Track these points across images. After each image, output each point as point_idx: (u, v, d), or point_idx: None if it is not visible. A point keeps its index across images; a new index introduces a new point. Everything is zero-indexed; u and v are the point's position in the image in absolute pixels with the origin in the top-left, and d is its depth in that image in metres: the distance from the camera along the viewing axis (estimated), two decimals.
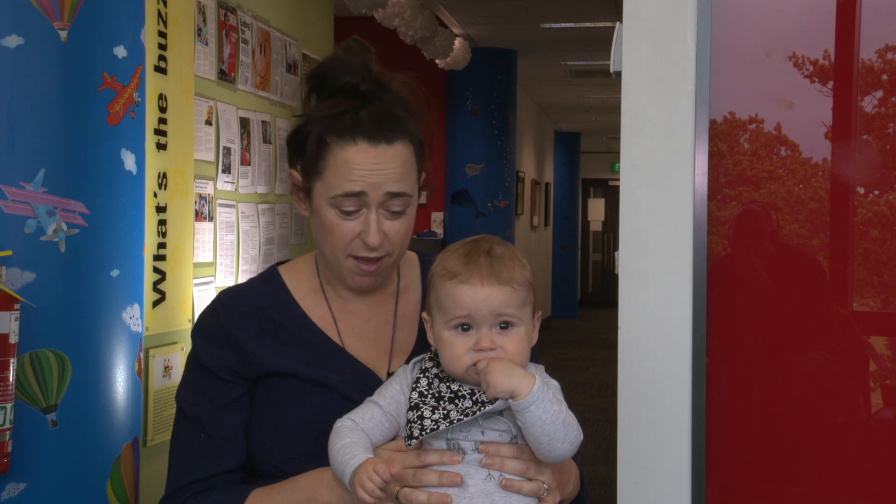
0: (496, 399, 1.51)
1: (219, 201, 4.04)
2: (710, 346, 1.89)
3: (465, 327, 1.56)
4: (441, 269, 1.59)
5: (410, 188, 1.69)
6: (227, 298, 1.76)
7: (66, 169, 2.19)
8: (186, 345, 3.43)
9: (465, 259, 1.57)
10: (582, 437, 1.55)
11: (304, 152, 1.70)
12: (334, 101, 1.69)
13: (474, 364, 1.53)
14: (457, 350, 1.55)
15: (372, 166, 1.64)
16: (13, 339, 2.03)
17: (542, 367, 1.65)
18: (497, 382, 1.49)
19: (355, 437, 1.55)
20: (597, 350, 12.99)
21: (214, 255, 4.00)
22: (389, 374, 1.69)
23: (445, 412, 1.53)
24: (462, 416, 1.52)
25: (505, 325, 1.56)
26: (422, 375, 1.59)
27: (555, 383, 1.60)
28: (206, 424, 1.68)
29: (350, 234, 1.67)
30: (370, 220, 1.65)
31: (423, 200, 1.82)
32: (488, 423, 1.55)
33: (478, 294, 1.54)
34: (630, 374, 1.93)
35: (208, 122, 3.92)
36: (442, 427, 1.52)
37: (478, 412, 1.52)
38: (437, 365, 1.59)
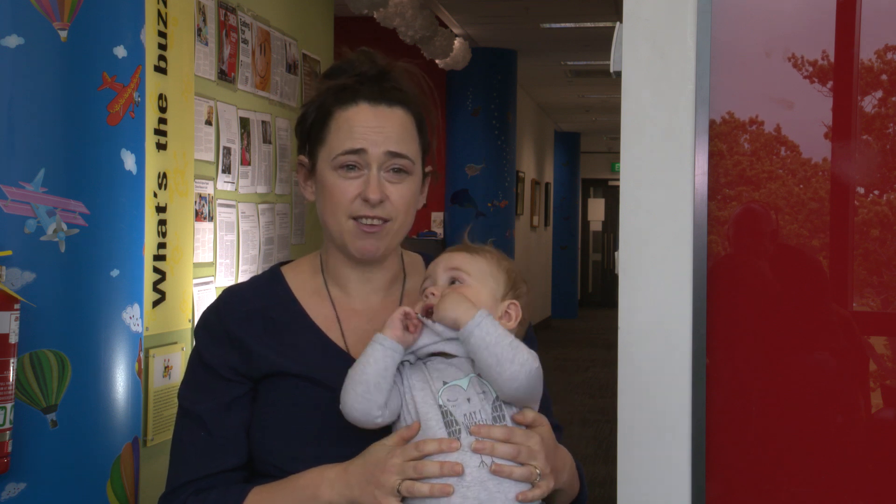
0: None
1: (219, 201, 4.04)
2: (710, 346, 1.89)
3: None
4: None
5: (412, 153, 1.72)
6: (229, 297, 1.76)
7: (66, 169, 2.19)
8: (186, 345, 3.43)
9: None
10: (536, 364, 1.60)
11: (310, 130, 1.75)
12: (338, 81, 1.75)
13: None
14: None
15: (373, 123, 1.69)
16: (13, 339, 2.03)
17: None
18: (443, 309, 1.59)
19: None
20: (597, 350, 12.99)
21: (214, 255, 4.00)
22: None
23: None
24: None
25: (455, 282, 1.67)
26: None
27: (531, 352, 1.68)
28: (207, 423, 1.69)
29: (351, 194, 1.69)
30: (371, 178, 1.69)
31: (425, 200, 1.85)
32: (472, 387, 1.59)
33: (440, 258, 1.70)
34: (630, 374, 1.93)
35: (208, 122, 3.92)
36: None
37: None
38: None
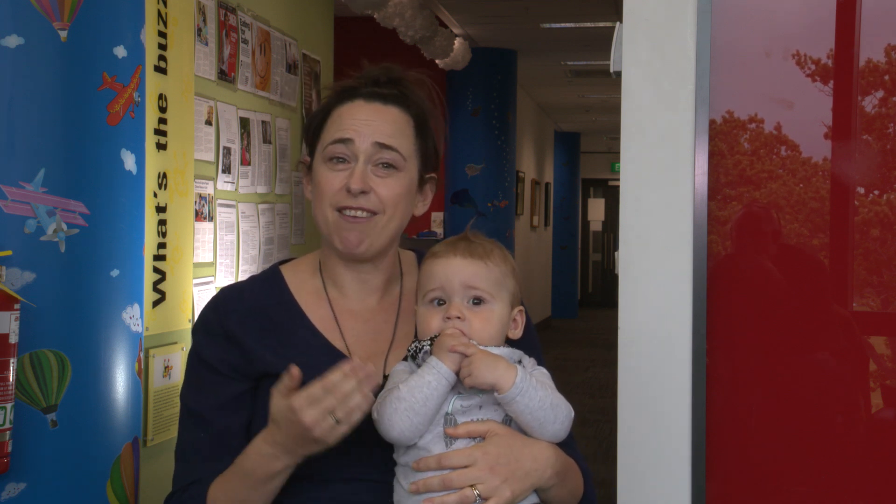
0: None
1: (219, 201, 4.03)
2: (710, 346, 1.89)
3: (440, 302, 1.62)
4: (427, 254, 1.67)
5: (403, 149, 1.71)
6: (228, 295, 1.76)
7: (66, 169, 2.19)
8: (186, 345, 3.43)
9: (447, 242, 1.66)
10: (573, 414, 1.61)
11: (312, 132, 1.77)
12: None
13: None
14: (429, 322, 1.61)
15: (363, 116, 1.70)
16: (13, 339, 2.03)
17: (533, 361, 1.67)
18: (480, 374, 1.53)
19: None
20: (597, 350, 12.98)
21: (214, 255, 4.00)
22: (385, 375, 1.69)
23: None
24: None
25: (477, 301, 1.61)
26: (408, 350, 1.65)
27: (543, 370, 1.65)
28: (210, 421, 1.68)
29: (337, 185, 1.69)
30: (356, 169, 1.68)
31: (426, 208, 1.84)
32: (487, 399, 1.58)
33: (449, 265, 1.62)
34: (630, 374, 1.93)
35: (208, 122, 3.92)
36: (426, 346, 1.58)
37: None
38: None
